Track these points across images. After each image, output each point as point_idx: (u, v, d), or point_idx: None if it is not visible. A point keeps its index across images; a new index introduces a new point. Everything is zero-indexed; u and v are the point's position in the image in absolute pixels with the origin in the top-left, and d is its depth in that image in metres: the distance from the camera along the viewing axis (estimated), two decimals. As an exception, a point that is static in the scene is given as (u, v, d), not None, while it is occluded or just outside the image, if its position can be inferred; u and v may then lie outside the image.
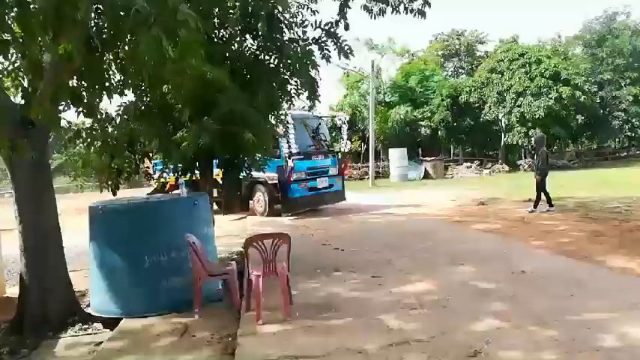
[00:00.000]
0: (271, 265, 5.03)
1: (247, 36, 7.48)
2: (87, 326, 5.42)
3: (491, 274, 6.07)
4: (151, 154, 7.37)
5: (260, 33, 6.86)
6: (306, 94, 7.46)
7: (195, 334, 4.84)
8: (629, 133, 30.83)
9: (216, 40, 6.71)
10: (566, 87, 27.61)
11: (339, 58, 7.96)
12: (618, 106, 29.80)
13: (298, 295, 5.47)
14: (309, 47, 7.63)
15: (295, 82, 7.53)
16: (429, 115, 31.96)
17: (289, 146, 12.73)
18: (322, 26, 7.44)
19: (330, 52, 7.78)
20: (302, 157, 13.22)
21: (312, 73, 7.33)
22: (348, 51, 7.79)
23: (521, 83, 28.53)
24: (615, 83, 30.40)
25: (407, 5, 8.18)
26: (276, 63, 7.45)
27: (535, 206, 11.36)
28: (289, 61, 7.26)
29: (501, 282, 5.73)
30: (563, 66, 28.70)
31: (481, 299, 5.16)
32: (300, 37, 7.52)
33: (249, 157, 7.22)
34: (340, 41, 7.71)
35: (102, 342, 4.89)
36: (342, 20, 8.24)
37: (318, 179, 13.72)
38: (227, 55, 6.88)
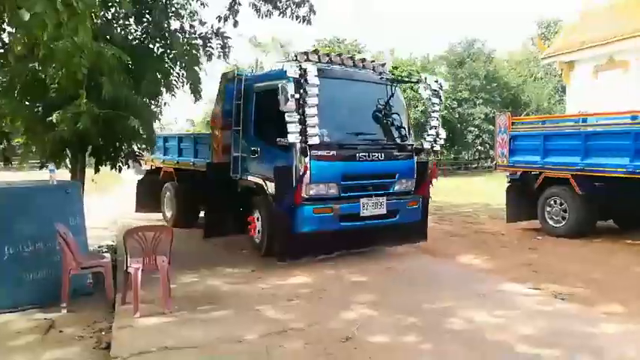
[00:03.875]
0: (151, 257, 4.94)
1: (131, 20, 7.18)
2: None
3: (362, 269, 6.55)
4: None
5: (149, 18, 6.65)
6: (188, 86, 7.39)
7: (63, 329, 4.56)
8: (480, 147, 34.81)
9: (98, 20, 6.33)
10: (431, 101, 30.33)
11: (219, 58, 8.05)
12: (472, 122, 33.47)
13: (178, 288, 5.43)
14: (195, 41, 7.59)
15: (178, 73, 7.41)
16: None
17: (303, 127, 6.16)
18: (211, 25, 7.53)
19: (213, 49, 7.83)
20: (332, 152, 6.62)
21: (197, 67, 7.29)
22: (228, 52, 7.92)
23: (393, 94, 30.68)
24: (471, 102, 34.11)
25: (294, 10, 8.56)
26: (160, 52, 7.27)
27: None
28: (175, 52, 7.13)
29: (371, 276, 6.24)
30: (430, 81, 31.46)
31: (353, 291, 5.59)
32: (187, 30, 7.44)
33: (127, 146, 6.88)
34: (224, 41, 7.80)
35: (-53, 342, 4.38)
36: (231, 16, 8.33)
37: (363, 200, 6.80)
38: (109, 37, 6.53)
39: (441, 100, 7.65)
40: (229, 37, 7.72)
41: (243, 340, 4.17)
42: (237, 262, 6.85)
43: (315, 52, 7.12)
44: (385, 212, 6.99)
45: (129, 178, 12.64)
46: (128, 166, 7.45)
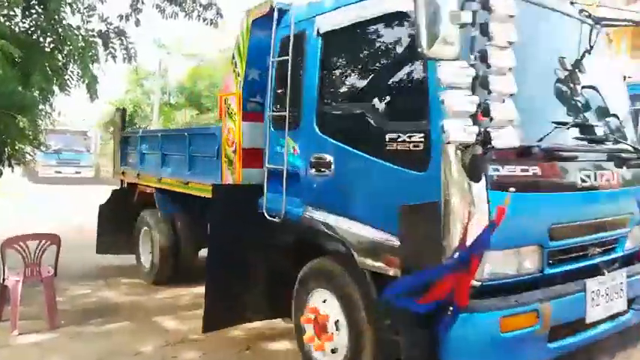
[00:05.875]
0: (34, 269, 4.56)
1: (17, 10, 6.61)
2: None
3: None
4: None
5: (38, 10, 6.16)
6: (84, 86, 6.94)
7: None
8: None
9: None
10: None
11: (123, 62, 7.68)
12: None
13: (66, 301, 5.09)
14: (93, 39, 7.15)
15: (72, 72, 6.94)
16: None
17: (483, 104, 2.21)
18: (109, 22, 7.17)
19: (115, 50, 7.45)
20: (538, 169, 2.70)
21: (94, 67, 6.88)
22: (133, 55, 7.58)
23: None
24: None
25: (200, 13, 8.46)
26: (52, 47, 6.75)
27: None
28: (68, 49, 6.66)
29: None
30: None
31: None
32: (84, 27, 7.00)
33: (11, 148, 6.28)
34: (127, 42, 7.46)
35: None
36: (133, 14, 7.99)
37: (590, 285, 2.86)
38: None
39: None
40: (129, 37, 7.38)
41: (139, 353, 4.01)
42: (135, 272, 6.51)
43: None
44: (626, 307, 3.18)
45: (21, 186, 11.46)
46: (12, 170, 6.80)
